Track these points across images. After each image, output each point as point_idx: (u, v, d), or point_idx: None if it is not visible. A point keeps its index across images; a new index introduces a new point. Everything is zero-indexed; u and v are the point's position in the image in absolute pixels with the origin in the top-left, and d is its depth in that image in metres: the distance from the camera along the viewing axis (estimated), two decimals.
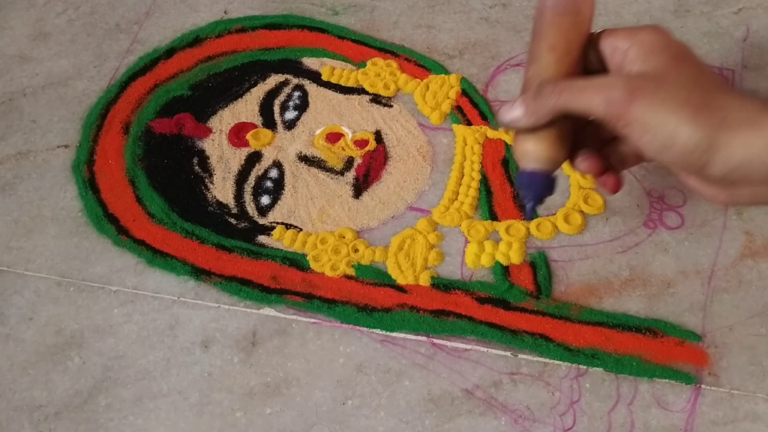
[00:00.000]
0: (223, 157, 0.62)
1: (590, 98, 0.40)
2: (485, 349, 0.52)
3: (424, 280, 0.54)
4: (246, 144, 0.63)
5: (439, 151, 0.62)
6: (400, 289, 0.54)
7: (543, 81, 0.43)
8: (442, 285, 0.54)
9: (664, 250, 0.55)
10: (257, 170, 0.61)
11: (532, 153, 0.44)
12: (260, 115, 0.65)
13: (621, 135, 0.41)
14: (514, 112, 0.44)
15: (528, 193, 0.46)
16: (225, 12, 0.72)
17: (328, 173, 0.61)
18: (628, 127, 0.40)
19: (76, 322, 0.54)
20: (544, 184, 0.45)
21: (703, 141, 0.39)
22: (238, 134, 0.63)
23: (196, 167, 0.62)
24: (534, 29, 0.45)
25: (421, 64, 0.67)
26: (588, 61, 0.45)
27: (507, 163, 0.60)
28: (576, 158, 0.46)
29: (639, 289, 0.54)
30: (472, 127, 0.62)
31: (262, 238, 0.58)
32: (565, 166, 0.59)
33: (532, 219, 0.54)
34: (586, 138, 0.45)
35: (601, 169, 0.46)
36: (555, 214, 0.57)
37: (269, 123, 0.64)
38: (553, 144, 0.44)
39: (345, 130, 0.63)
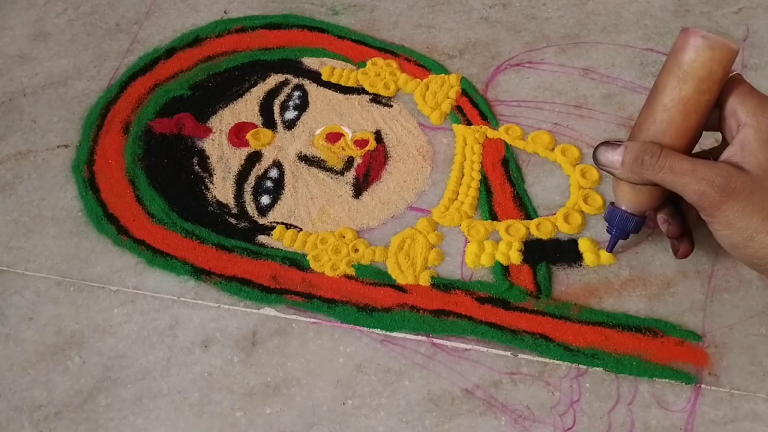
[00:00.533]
0: (223, 157, 0.62)
1: (686, 185, 0.43)
2: (485, 349, 0.52)
3: (424, 280, 0.54)
4: (246, 144, 0.63)
5: (439, 151, 0.62)
6: (400, 288, 0.54)
7: (649, 148, 0.44)
8: (442, 285, 0.54)
9: (664, 250, 0.55)
10: (257, 170, 0.61)
11: (626, 197, 0.48)
12: (260, 114, 0.65)
13: (703, 217, 0.44)
14: (611, 157, 0.46)
15: (614, 228, 0.51)
16: (225, 12, 0.72)
17: (328, 173, 0.61)
18: (712, 218, 0.43)
19: (76, 322, 0.54)
20: (631, 224, 0.50)
21: None
22: (238, 134, 0.63)
23: (196, 167, 0.62)
24: (668, 68, 0.44)
25: (421, 64, 0.67)
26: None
27: (507, 162, 0.60)
28: (659, 215, 0.49)
29: (639, 289, 0.54)
30: (472, 126, 0.62)
31: (262, 238, 0.58)
32: (564, 165, 0.60)
33: (612, 251, 0.53)
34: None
35: (679, 234, 0.49)
36: (555, 213, 0.57)
37: (269, 123, 0.64)
38: (648, 196, 0.47)
39: (345, 129, 0.63)
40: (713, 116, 0.45)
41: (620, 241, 0.52)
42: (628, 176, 0.45)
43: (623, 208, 0.49)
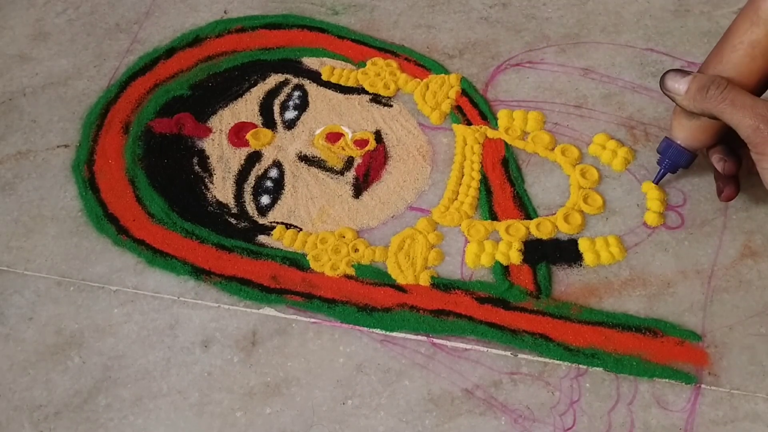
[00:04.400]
0: (223, 157, 0.62)
1: (742, 118, 0.46)
2: (485, 349, 0.52)
3: (424, 280, 0.54)
4: (246, 144, 0.63)
5: (439, 151, 0.62)
6: (400, 288, 0.54)
7: (716, 80, 0.47)
8: (442, 285, 0.54)
9: (664, 250, 0.55)
10: (257, 170, 0.61)
11: (683, 130, 0.51)
12: (260, 114, 0.65)
13: (752, 155, 0.47)
14: (678, 86, 0.49)
15: (666, 160, 0.54)
16: (225, 12, 0.72)
17: (328, 173, 0.61)
18: (760, 156, 0.46)
19: (76, 322, 0.54)
20: (683, 159, 0.53)
21: None
22: (238, 134, 0.63)
23: (196, 167, 0.62)
24: (745, 11, 0.47)
25: (421, 64, 0.67)
26: None
27: (507, 162, 0.60)
28: (715, 154, 0.52)
29: (639, 288, 0.54)
30: (472, 126, 0.62)
31: (262, 238, 0.58)
32: (564, 165, 0.60)
33: (658, 183, 0.57)
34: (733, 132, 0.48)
35: (734, 171, 0.52)
36: (555, 213, 0.57)
37: (269, 123, 0.64)
38: (704, 131, 0.50)
39: (345, 129, 0.63)
40: None
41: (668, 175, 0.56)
42: (689, 104, 0.48)
43: (678, 141, 0.52)
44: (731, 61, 0.47)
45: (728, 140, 0.51)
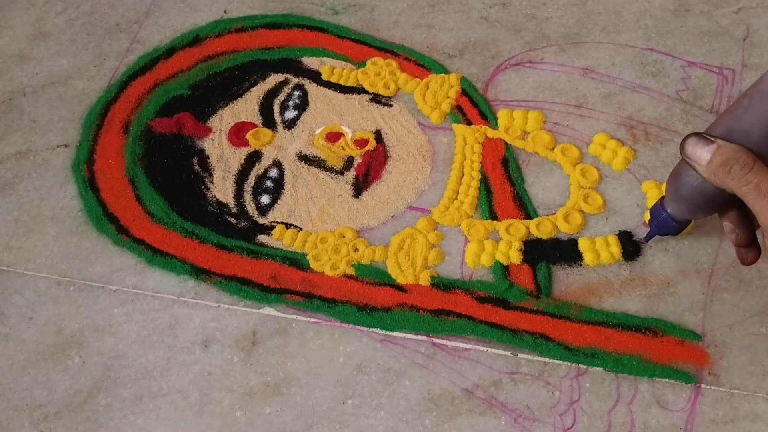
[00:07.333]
0: (223, 157, 0.62)
1: (764, 207, 0.41)
2: (485, 349, 0.52)
3: (424, 280, 0.54)
4: (246, 143, 0.63)
5: (439, 151, 0.62)
6: (400, 288, 0.54)
7: (742, 157, 0.41)
8: (442, 284, 0.54)
9: (664, 250, 0.55)
10: (257, 170, 0.61)
11: (681, 203, 0.47)
12: (260, 114, 0.65)
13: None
14: (700, 154, 0.43)
15: (655, 226, 0.50)
16: (225, 11, 0.72)
17: (328, 173, 0.61)
18: None
19: (76, 322, 0.54)
20: (672, 230, 0.49)
21: None
22: (238, 134, 0.63)
23: (196, 167, 0.62)
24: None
25: (421, 64, 0.67)
26: None
27: (507, 162, 0.60)
28: (726, 222, 0.47)
29: (639, 288, 0.54)
30: (472, 126, 0.62)
31: (262, 238, 0.58)
32: (564, 164, 0.60)
33: (648, 241, 0.55)
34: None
35: (746, 243, 0.47)
36: (555, 213, 0.57)
37: (269, 122, 0.64)
38: (700, 210, 0.46)
39: (345, 129, 0.63)
40: None
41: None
42: (709, 177, 0.43)
43: (668, 211, 0.48)
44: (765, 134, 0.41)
45: (740, 204, 0.45)
